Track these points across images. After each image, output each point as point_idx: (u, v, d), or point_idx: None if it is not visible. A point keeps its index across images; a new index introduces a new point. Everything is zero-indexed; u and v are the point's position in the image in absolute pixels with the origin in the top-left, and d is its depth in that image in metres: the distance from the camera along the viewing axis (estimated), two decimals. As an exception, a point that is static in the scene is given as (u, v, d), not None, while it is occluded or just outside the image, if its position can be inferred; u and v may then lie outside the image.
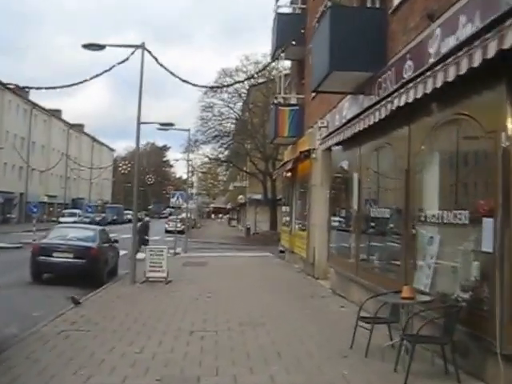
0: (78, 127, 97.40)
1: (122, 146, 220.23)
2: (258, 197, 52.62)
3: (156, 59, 18.88)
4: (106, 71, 18.71)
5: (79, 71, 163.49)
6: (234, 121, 50.99)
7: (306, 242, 21.51)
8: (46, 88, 21.04)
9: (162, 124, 19.74)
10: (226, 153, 53.13)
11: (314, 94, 21.70)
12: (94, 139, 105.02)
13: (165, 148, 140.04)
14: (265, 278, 20.56)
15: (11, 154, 65.95)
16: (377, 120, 10.83)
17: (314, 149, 20.86)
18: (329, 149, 17.38)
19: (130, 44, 18.10)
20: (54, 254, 18.45)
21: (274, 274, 22.25)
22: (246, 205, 60.15)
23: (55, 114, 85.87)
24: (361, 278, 13.67)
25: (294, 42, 22.83)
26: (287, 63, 40.73)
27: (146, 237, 26.40)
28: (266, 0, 66.37)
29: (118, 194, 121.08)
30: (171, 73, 20.27)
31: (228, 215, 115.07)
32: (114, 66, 17.99)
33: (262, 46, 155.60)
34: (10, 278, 19.39)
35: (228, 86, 22.02)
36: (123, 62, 17.87)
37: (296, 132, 23.88)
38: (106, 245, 20.66)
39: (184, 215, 44.60)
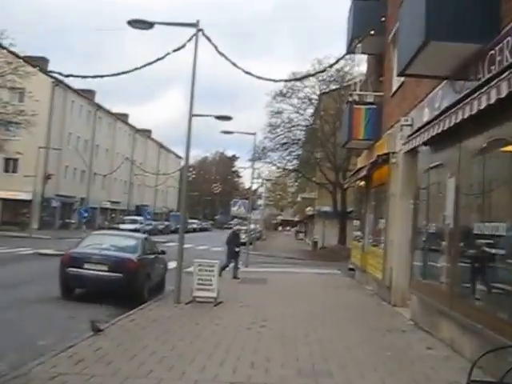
0: (145, 132, 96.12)
1: (191, 155, 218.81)
2: (327, 209, 49.50)
3: (215, 47, 16.83)
4: (159, 59, 17.37)
5: (157, 81, 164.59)
6: (303, 128, 48.09)
7: (381, 261, 18.38)
8: (83, 77, 19.23)
9: (219, 117, 17.01)
10: (295, 162, 50.30)
11: (394, 90, 18.73)
12: (160, 145, 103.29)
13: (234, 158, 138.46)
14: (332, 302, 17.54)
15: (73, 156, 64.04)
16: (492, 101, 7.82)
17: (393, 152, 17.78)
18: (414, 150, 14.34)
19: (183, 22, 15.60)
20: (86, 266, 15.89)
21: (342, 296, 19.19)
22: (314, 217, 57.03)
23: (121, 117, 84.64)
24: (456, 312, 10.56)
25: (372, 32, 19.83)
26: (362, 68, 37.94)
27: (237, 248, 23.70)
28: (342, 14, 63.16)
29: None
30: (233, 63, 18.10)
31: (295, 228, 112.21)
32: (168, 53, 16.28)
33: (336, 50, 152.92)
34: (38, 290, 17.06)
35: (299, 79, 19.27)
36: (179, 49, 15.94)
37: (372, 134, 20.82)
38: (151, 256, 18.09)
39: (251, 226, 41.96)
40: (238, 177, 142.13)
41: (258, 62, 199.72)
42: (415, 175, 15.30)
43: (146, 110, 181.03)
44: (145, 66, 18.51)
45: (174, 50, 16.26)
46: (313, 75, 18.88)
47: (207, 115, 17.14)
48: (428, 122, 12.54)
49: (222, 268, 22.03)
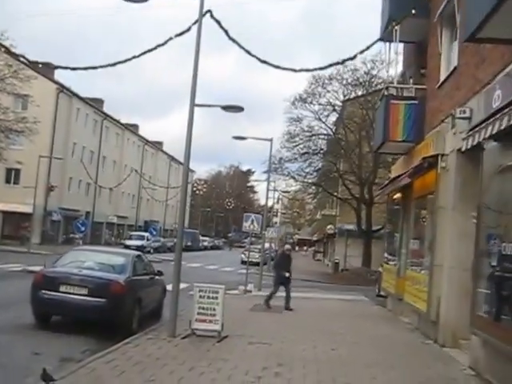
0: (156, 144, 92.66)
1: (204, 169, 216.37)
2: (350, 227, 45.83)
3: (226, 31, 14.92)
4: (159, 45, 15.38)
5: (170, 95, 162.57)
6: (325, 137, 44.43)
7: (424, 289, 14.92)
8: (72, 69, 17.20)
9: (226, 107, 13.69)
10: (315, 175, 46.50)
11: (443, 79, 15.41)
12: (172, 158, 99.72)
13: (249, 172, 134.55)
14: (363, 340, 14.08)
15: (78, 168, 60.52)
16: None
17: (442, 154, 14.40)
18: (476, 148, 10.96)
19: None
20: (62, 288, 12.73)
21: (375, 331, 15.71)
22: (336, 236, 53.30)
23: (131, 128, 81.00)
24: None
25: (413, 12, 16.60)
26: (392, 71, 34.58)
27: (287, 273, 19.82)
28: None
29: (195, 219, 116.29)
30: (247, 51, 15.27)
31: (313, 248, 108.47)
32: (170, 38, 15.12)
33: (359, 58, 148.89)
34: (9, 316, 14.04)
35: (323, 68, 15.83)
36: (182, 33, 14.79)
37: (413, 135, 17.44)
38: (144, 278, 14.89)
39: (266, 245, 38.48)
40: (253, 192, 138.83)
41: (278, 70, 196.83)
42: (474, 182, 11.90)
43: (158, 124, 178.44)
44: (144, 53, 16.49)
45: (177, 35, 15.05)
46: (341, 63, 15.52)
47: (212, 105, 13.84)
48: (501, 108, 9.32)
49: (269, 297, 19.70)
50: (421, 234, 16.56)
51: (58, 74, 57.38)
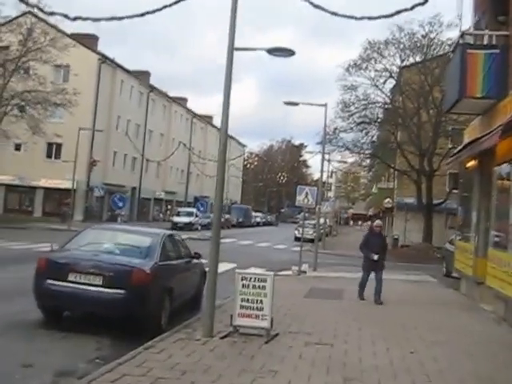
0: (206, 118, 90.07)
1: (255, 144, 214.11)
2: (410, 201, 42.82)
3: None
4: (165, 6, 12.63)
5: (221, 70, 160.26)
6: (381, 105, 41.31)
7: (517, 272, 12.30)
8: (108, 19, 14.54)
9: (272, 50, 11.06)
10: (371, 146, 43.37)
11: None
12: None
13: (301, 146, 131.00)
14: (443, 336, 11.38)
15: (123, 142, 58.27)
16: None
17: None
18: None
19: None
20: (71, 277, 10.40)
21: (454, 324, 13.05)
22: (394, 210, 50.24)
23: (179, 101, 78.42)
24: None
25: None
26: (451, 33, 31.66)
27: (375, 256, 15.54)
28: None
29: (247, 194, 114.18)
30: None
31: (368, 222, 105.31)
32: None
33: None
34: (15, 310, 11.82)
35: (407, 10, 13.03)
36: None
37: (495, 90, 14.65)
38: (176, 262, 12.51)
39: (321, 220, 35.93)
40: (307, 167, 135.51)
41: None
42: None
43: (207, 100, 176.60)
44: (155, 11, 13.76)
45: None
46: (411, 9, 12.70)
47: (255, 48, 11.33)
48: None
49: (360, 287, 15.94)
50: (506, 207, 13.84)
51: (103, 46, 55.77)
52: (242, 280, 10.54)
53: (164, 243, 12.06)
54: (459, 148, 18.52)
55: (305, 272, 22.47)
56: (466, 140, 18.19)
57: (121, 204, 29.45)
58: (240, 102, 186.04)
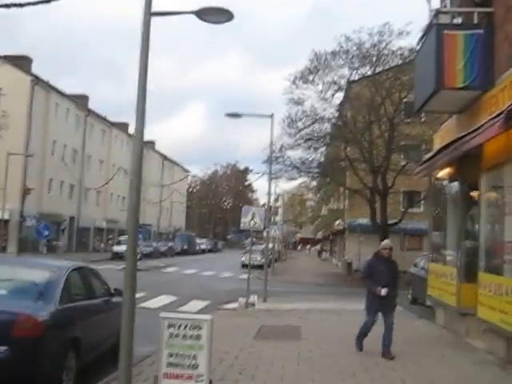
0: (148, 144, 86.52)
1: (199, 168, 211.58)
2: (363, 221, 40.13)
3: None
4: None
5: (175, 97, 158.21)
6: (331, 120, 38.52)
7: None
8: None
9: (199, 12, 8.02)
10: (320, 164, 40.41)
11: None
12: (164, 157, 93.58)
13: (247, 171, 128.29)
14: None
15: (58, 167, 54.76)
16: None
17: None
18: None
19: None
20: None
21: (448, 375, 10.18)
22: (345, 232, 47.64)
23: (120, 126, 74.70)
24: None
25: None
26: (403, 41, 29.37)
27: (383, 290, 11.13)
28: None
29: (193, 221, 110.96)
30: None
31: (316, 246, 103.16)
32: None
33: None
34: None
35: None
36: None
37: (479, 79, 12.07)
38: (85, 304, 9.45)
39: (270, 245, 33.01)
40: (252, 191, 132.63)
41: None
42: None
43: (149, 126, 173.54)
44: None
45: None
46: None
47: (178, 12, 8.30)
48: None
49: (361, 333, 11.84)
50: (501, 221, 11.16)
51: (36, 68, 52.27)
52: (169, 328, 7.54)
53: (68, 279, 9.02)
54: (430, 155, 15.83)
55: (253, 304, 19.46)
56: (438, 145, 15.57)
57: (46, 233, 25.90)
58: (186, 128, 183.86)
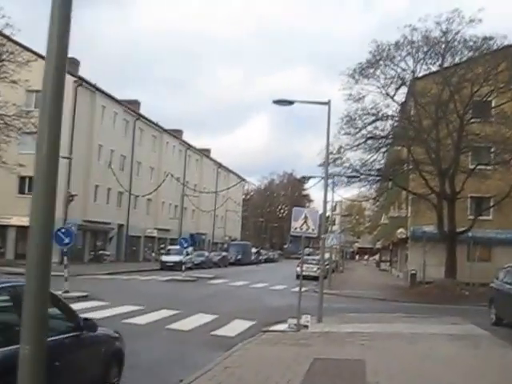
0: (202, 151, 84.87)
1: (255, 179, 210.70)
2: (429, 229, 36.37)
3: None
4: None
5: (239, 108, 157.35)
6: (393, 118, 35.03)
7: None
8: None
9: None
10: (381, 166, 36.97)
11: None
12: (219, 164, 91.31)
13: (304, 179, 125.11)
14: None
15: (105, 174, 52.68)
16: None
17: None
18: None
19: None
20: None
21: None
22: (408, 241, 43.81)
23: (172, 133, 72.47)
24: None
25: None
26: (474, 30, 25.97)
27: None
28: None
29: (248, 230, 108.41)
30: None
31: (374, 257, 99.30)
32: None
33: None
34: None
35: None
36: None
37: None
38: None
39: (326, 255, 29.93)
40: (309, 201, 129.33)
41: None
42: None
43: (205, 135, 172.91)
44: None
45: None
46: None
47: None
48: None
49: None
50: None
51: (82, 71, 50.37)
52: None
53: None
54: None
55: (306, 326, 16.32)
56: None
57: (67, 240, 23.09)
58: (249, 139, 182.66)
